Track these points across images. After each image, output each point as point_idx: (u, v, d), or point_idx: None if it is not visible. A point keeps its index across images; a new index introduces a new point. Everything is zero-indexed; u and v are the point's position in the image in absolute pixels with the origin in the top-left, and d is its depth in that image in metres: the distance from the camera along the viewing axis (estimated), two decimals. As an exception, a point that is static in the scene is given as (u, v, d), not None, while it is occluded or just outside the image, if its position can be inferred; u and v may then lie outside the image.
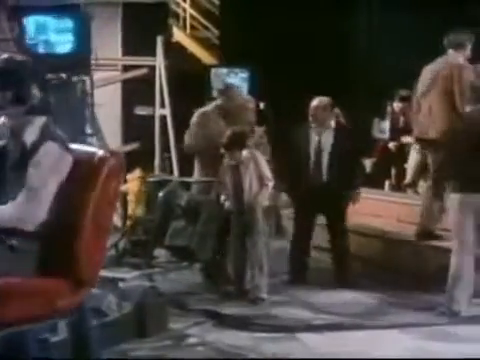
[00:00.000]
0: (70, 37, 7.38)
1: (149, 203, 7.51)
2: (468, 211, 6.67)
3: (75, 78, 7.88)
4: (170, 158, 11.10)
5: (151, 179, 7.62)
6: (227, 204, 7.16)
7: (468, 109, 6.96)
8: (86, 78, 8.27)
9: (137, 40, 11.09)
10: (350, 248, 8.03)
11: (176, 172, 10.99)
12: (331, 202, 7.76)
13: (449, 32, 7.98)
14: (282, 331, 6.36)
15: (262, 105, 13.28)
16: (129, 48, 11.25)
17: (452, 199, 6.74)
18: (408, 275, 8.03)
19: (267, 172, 7.26)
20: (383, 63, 12.51)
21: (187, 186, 7.82)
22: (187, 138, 8.00)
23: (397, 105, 10.06)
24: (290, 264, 7.95)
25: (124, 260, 7.32)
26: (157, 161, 11.22)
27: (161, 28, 11.58)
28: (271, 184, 7.28)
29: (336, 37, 12.88)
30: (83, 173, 4.01)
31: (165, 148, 11.24)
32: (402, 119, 9.94)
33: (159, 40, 11.19)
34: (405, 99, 9.95)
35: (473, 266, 6.71)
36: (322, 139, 7.83)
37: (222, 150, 7.13)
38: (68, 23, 7.41)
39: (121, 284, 6.27)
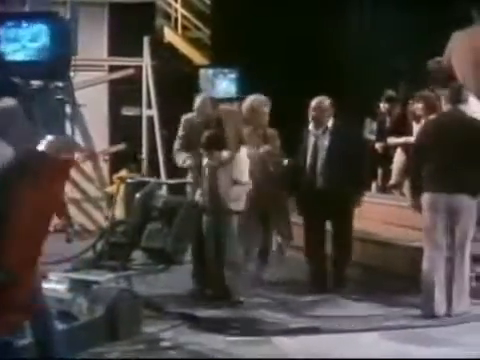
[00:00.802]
0: (44, 44, 7.29)
1: (128, 205, 7.43)
2: (439, 211, 6.64)
3: (52, 85, 7.79)
4: (153, 159, 11.04)
5: (129, 180, 7.51)
6: (201, 200, 7.10)
7: (445, 108, 6.90)
8: (65, 84, 8.19)
9: (123, 40, 11.00)
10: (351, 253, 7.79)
11: (163, 173, 10.92)
12: (330, 206, 7.44)
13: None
14: (257, 334, 6.29)
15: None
16: (115, 48, 11.15)
17: (424, 198, 6.69)
18: (394, 277, 7.97)
19: (245, 174, 7.19)
20: (375, 63, 12.42)
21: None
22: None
23: (383, 105, 9.96)
24: (309, 273, 7.78)
25: (102, 262, 7.23)
26: (144, 162, 11.14)
27: (148, 28, 11.50)
28: (248, 186, 7.18)
29: (327, 37, 12.78)
30: (27, 167, 3.81)
31: (152, 149, 11.16)
32: (388, 119, 9.84)
33: (146, 40, 11.09)
34: (391, 100, 9.86)
35: (445, 266, 6.66)
36: (318, 141, 7.59)
37: (201, 150, 7.08)
38: (42, 30, 7.33)
39: (94, 287, 6.20)
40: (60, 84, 8.17)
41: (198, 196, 7.17)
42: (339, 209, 7.53)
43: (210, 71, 12.03)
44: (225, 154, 7.08)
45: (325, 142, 7.56)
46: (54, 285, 6.12)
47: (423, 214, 6.76)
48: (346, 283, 7.71)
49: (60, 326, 5.52)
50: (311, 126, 7.69)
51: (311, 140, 7.63)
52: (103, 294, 6.11)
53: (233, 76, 11.98)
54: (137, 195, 7.04)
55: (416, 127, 9.05)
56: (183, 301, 7.11)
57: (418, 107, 8.79)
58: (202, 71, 11.95)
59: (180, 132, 7.79)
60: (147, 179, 7.36)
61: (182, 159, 7.58)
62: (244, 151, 7.27)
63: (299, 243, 8.28)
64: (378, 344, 6.05)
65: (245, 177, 7.17)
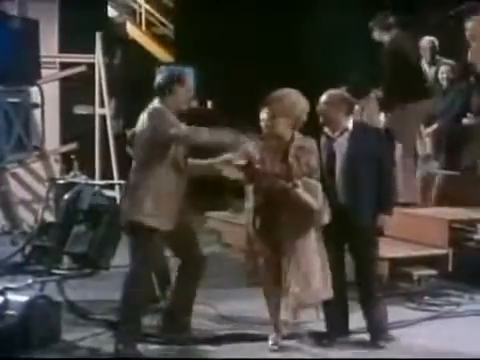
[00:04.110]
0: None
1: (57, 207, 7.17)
2: None
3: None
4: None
5: (59, 181, 7.25)
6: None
7: None
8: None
9: (75, 36, 10.71)
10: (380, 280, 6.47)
11: (115, 174, 10.65)
12: (351, 227, 5.99)
13: None
14: (183, 343, 6.02)
15: (210, 104, 13.06)
16: (67, 45, 10.87)
17: None
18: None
19: None
20: (338, 64, 12.20)
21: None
22: None
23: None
24: (325, 316, 6.17)
25: (29, 267, 7.00)
26: (97, 162, 10.87)
27: (101, 24, 11.21)
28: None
29: (293, 38, 12.57)
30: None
31: (104, 149, 10.90)
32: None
33: (98, 36, 10.80)
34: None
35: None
36: (335, 146, 6.09)
37: (127, 149, 6.77)
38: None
39: (7, 293, 5.93)
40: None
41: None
42: (356, 230, 6.04)
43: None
44: None
45: (342, 148, 6.05)
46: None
47: None
48: (382, 336, 6.08)
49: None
50: (325, 128, 6.17)
51: (324, 143, 6.14)
52: (16, 300, 5.84)
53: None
54: (65, 197, 6.79)
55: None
56: (111, 307, 6.80)
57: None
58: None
59: None
60: (77, 180, 7.06)
61: None
62: None
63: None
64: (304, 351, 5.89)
65: None
